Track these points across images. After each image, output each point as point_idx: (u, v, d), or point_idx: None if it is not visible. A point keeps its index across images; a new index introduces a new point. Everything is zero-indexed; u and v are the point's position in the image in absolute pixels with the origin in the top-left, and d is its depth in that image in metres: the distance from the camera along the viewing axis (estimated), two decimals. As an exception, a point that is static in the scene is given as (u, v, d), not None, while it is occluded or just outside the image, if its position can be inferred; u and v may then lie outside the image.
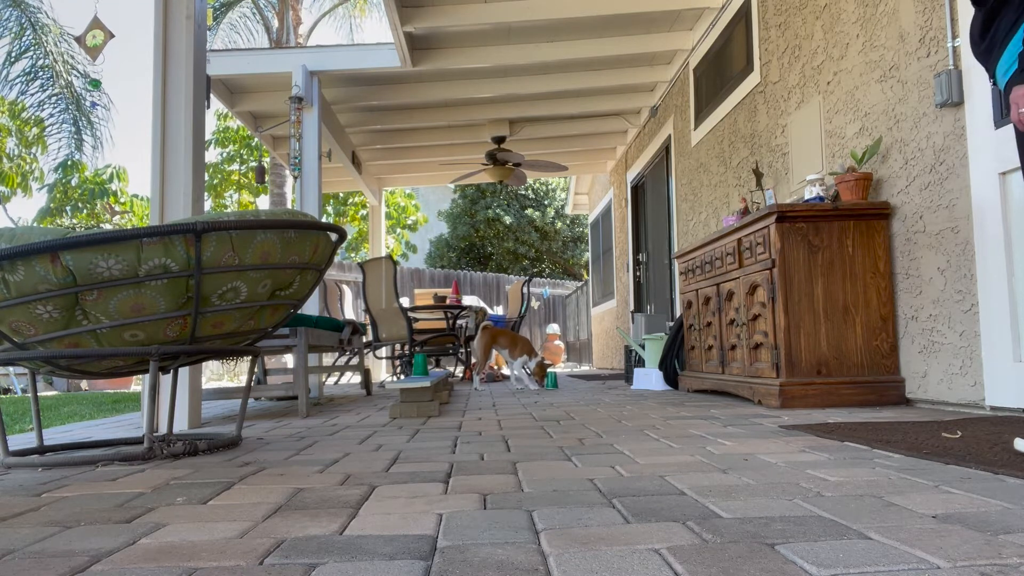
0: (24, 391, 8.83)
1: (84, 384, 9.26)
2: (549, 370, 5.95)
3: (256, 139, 9.48)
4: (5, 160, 12.43)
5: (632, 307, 8.82)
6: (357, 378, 9.74)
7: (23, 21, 11.35)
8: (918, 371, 3.31)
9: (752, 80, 5.12)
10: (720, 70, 5.80)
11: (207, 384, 9.76)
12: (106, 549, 1.17)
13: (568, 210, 14.42)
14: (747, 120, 5.24)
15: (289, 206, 11.84)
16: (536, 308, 17.09)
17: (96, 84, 9.82)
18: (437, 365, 8.32)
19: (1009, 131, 2.76)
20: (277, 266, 2.34)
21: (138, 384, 9.14)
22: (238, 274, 2.26)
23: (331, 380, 9.43)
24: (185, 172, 3.29)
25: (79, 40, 4.27)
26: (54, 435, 3.20)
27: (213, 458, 2.23)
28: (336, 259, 13.71)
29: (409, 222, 17.16)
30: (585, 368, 12.79)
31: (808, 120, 4.29)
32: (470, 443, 2.40)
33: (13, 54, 11.29)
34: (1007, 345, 2.77)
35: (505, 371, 9.23)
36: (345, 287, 9.28)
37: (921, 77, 3.26)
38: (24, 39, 11.36)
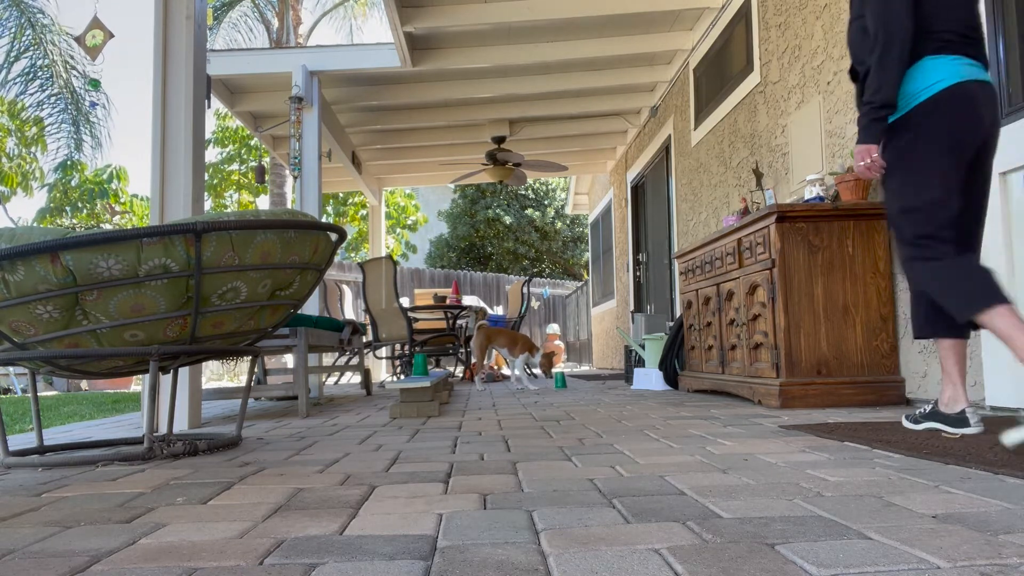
0: (24, 391, 8.83)
1: (84, 384, 9.26)
2: (555, 370, 5.97)
3: (256, 139, 9.48)
4: (5, 160, 12.42)
5: (632, 307, 8.82)
6: (357, 378, 9.74)
7: (22, 21, 11.35)
8: (918, 371, 3.31)
9: (752, 80, 5.12)
10: (720, 70, 5.80)
11: (207, 384, 9.76)
12: (106, 549, 1.17)
13: (568, 210, 14.42)
14: (747, 120, 5.24)
15: (289, 206, 11.83)
16: (536, 308, 17.09)
17: (95, 84, 9.78)
18: (437, 365, 8.32)
19: (1009, 131, 2.76)
20: (277, 266, 2.34)
21: (138, 384, 9.14)
22: (238, 274, 2.26)
23: (331, 380, 9.43)
24: (185, 172, 3.29)
25: (79, 40, 4.27)
26: (54, 435, 3.20)
27: (213, 458, 2.23)
28: (336, 259, 13.70)
29: (409, 222, 17.16)
30: (585, 368, 12.79)
31: (808, 120, 4.29)
32: (470, 443, 2.40)
33: (13, 54, 11.28)
34: (1007, 345, 2.77)
35: (505, 371, 9.23)
36: (345, 287, 9.28)
37: (921, 77, 3.26)
38: (24, 39, 11.36)
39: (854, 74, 2.37)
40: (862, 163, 2.17)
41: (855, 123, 3.83)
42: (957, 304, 2.08)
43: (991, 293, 1.99)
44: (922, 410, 2.35)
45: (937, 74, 2.13)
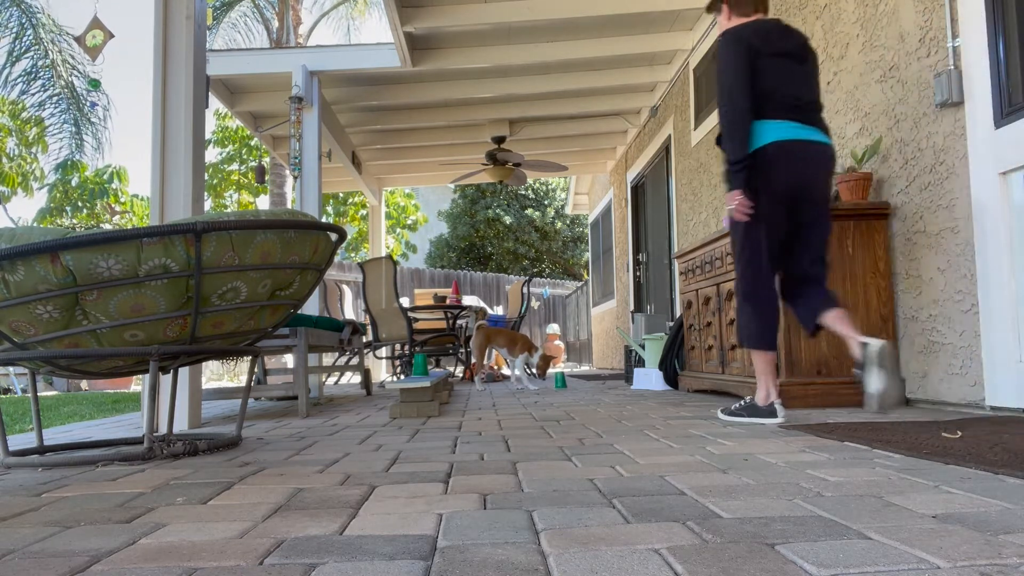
0: (24, 391, 8.83)
1: (84, 384, 9.26)
2: (555, 370, 5.97)
3: (256, 139, 9.48)
4: (5, 160, 12.43)
5: (632, 307, 8.82)
6: (357, 378, 9.74)
7: (23, 21, 11.35)
8: (918, 371, 3.31)
9: (752, 80, 5.11)
10: (720, 70, 5.79)
11: (207, 384, 9.76)
12: (106, 549, 1.17)
13: (568, 210, 14.42)
14: (747, 120, 5.23)
15: (289, 206, 11.83)
16: (536, 308, 17.09)
17: (95, 84, 9.79)
18: (437, 365, 8.33)
19: (1010, 131, 2.76)
20: (277, 266, 2.34)
21: (138, 384, 9.15)
22: (238, 274, 2.26)
23: (331, 380, 9.43)
24: (185, 172, 3.29)
25: (79, 40, 4.27)
26: (54, 435, 3.20)
27: (213, 458, 2.23)
28: (336, 259, 13.69)
29: (409, 222, 17.17)
30: (585, 368, 12.79)
31: (808, 120, 4.28)
32: (470, 443, 2.40)
33: (14, 54, 11.29)
34: (1008, 345, 2.77)
35: (505, 371, 9.23)
36: (345, 287, 9.28)
37: (921, 77, 3.26)
38: (25, 39, 11.36)
39: (719, 140, 2.86)
40: (731, 206, 2.68)
41: (853, 123, 3.84)
42: (745, 334, 2.79)
43: (771, 339, 2.76)
44: (738, 404, 2.81)
45: (760, 135, 2.69)
